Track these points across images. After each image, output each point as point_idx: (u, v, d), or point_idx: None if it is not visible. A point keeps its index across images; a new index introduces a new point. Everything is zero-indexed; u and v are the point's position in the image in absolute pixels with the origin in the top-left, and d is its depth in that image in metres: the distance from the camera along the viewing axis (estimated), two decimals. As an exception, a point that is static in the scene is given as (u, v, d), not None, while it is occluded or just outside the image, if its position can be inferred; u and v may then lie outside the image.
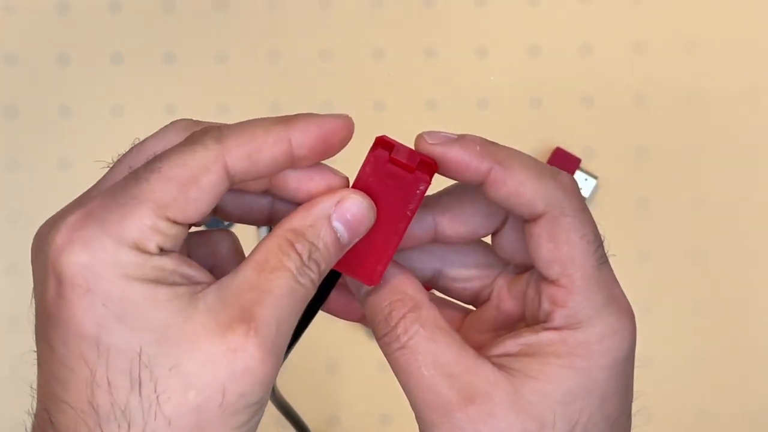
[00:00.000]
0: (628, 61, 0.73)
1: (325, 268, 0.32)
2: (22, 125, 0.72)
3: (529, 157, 0.34)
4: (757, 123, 0.72)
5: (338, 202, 0.33)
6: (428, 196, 0.35)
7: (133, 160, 0.34)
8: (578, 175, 0.70)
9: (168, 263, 0.30)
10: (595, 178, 0.70)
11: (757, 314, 0.72)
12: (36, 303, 0.31)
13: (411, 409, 0.34)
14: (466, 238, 0.35)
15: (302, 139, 0.32)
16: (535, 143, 0.72)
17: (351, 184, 0.34)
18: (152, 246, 0.30)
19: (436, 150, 0.34)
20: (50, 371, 0.30)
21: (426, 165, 0.33)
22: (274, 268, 0.31)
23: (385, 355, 0.34)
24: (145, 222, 0.30)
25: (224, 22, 0.73)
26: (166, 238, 0.30)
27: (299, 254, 0.31)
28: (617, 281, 0.35)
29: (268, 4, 0.73)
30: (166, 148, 0.32)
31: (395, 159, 0.33)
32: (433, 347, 0.33)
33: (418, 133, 0.34)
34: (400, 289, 0.33)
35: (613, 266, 0.76)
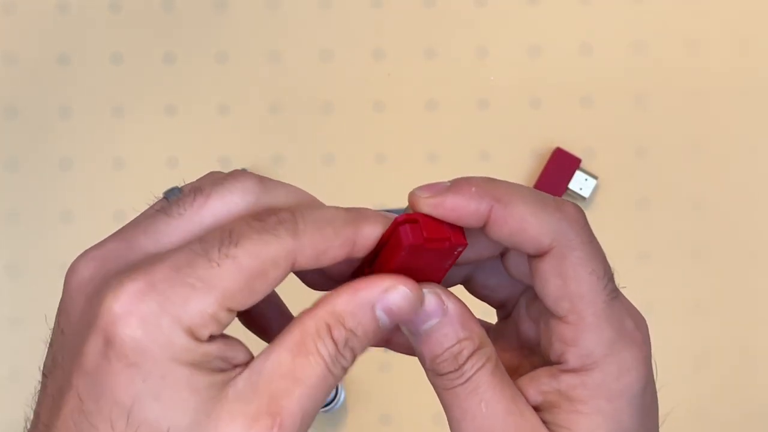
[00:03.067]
0: (628, 61, 0.73)
1: (360, 353, 0.31)
2: (22, 125, 0.72)
3: (531, 189, 0.33)
4: (757, 123, 0.73)
5: (386, 290, 0.31)
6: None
7: (192, 215, 0.32)
8: (578, 175, 0.70)
9: (214, 349, 0.30)
10: (595, 178, 0.70)
11: (757, 314, 0.72)
12: (66, 341, 0.31)
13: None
14: (471, 261, 0.35)
15: (364, 242, 0.32)
16: (535, 143, 0.72)
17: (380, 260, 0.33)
18: (206, 334, 0.30)
19: (431, 203, 0.32)
20: (71, 415, 0.30)
21: (456, 226, 0.32)
22: (309, 353, 0.30)
23: (441, 389, 0.33)
24: (208, 311, 0.29)
25: (224, 22, 0.73)
26: (220, 326, 0.30)
27: (335, 342, 0.31)
28: (629, 312, 0.34)
29: (268, 4, 0.73)
30: (229, 212, 0.31)
31: (429, 239, 0.31)
32: (495, 383, 0.32)
33: (409, 192, 0.33)
34: (467, 327, 0.32)
35: (613, 266, 0.76)
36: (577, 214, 0.33)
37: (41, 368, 0.33)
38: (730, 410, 0.71)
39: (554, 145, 0.71)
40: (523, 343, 0.36)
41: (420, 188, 0.32)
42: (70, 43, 0.73)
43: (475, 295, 0.37)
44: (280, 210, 0.31)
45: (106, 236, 0.34)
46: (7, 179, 0.72)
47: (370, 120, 0.72)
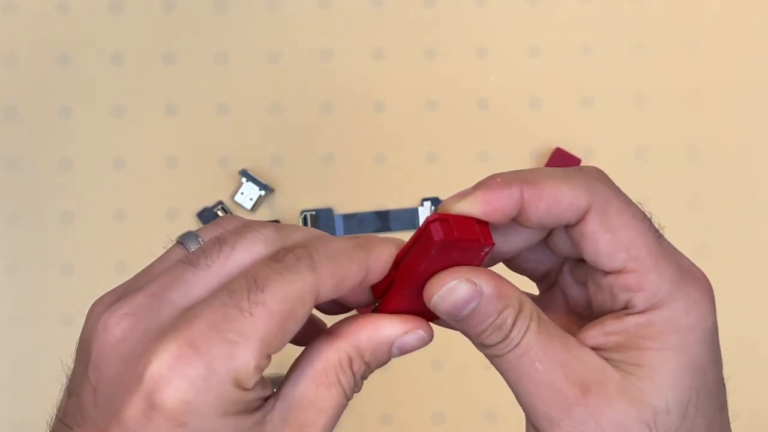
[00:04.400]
0: (628, 61, 0.73)
1: (367, 377, 0.34)
2: (22, 125, 0.72)
3: (550, 168, 0.34)
4: (757, 123, 0.73)
5: (405, 332, 0.33)
6: None
7: (219, 267, 0.33)
8: (578, 175, 0.70)
9: (256, 393, 0.31)
10: (595, 178, 0.70)
11: (757, 314, 0.72)
12: (100, 399, 0.31)
13: (521, 409, 0.34)
14: (525, 247, 0.35)
15: (377, 264, 0.33)
16: (535, 143, 0.72)
17: (402, 254, 0.34)
18: (252, 383, 0.31)
19: (463, 207, 0.32)
20: None
21: (484, 227, 0.32)
22: (331, 384, 0.32)
23: (493, 358, 0.34)
24: (252, 363, 0.30)
25: (224, 22, 0.73)
26: (261, 372, 0.31)
27: (354, 374, 0.33)
28: (680, 252, 0.35)
29: (268, 4, 0.73)
30: (253, 261, 0.32)
31: (460, 237, 0.32)
32: (543, 340, 0.33)
33: (440, 205, 0.33)
34: (504, 295, 0.33)
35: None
36: (600, 173, 0.34)
37: (57, 414, 0.34)
38: (730, 410, 0.71)
39: (554, 145, 0.71)
40: (571, 308, 0.36)
41: (449, 198, 0.33)
42: (71, 44, 0.73)
43: (516, 271, 0.37)
44: (294, 247, 0.32)
45: (128, 282, 0.34)
46: (7, 179, 0.72)
47: (370, 120, 0.72)
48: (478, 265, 0.33)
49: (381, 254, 0.33)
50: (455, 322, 0.33)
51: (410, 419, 0.71)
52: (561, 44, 0.73)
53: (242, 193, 0.71)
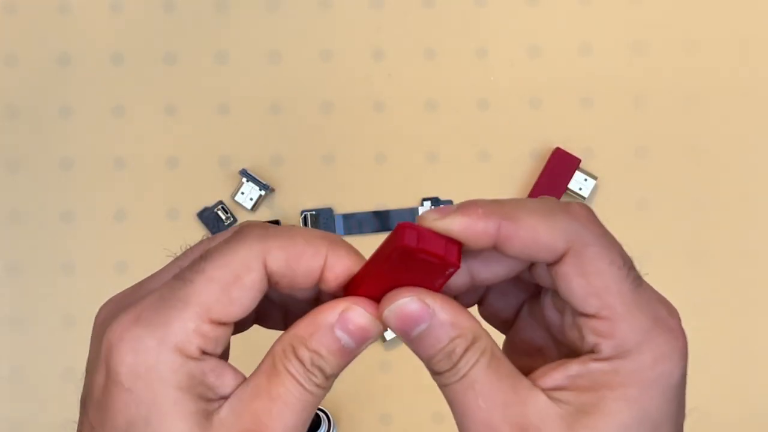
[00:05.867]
0: (628, 61, 0.73)
1: (333, 372, 0.33)
2: (22, 125, 0.72)
3: (536, 200, 0.33)
4: (757, 123, 0.73)
5: (342, 311, 0.33)
6: None
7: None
8: (578, 175, 0.70)
9: (202, 369, 0.32)
10: (595, 178, 0.70)
11: (757, 314, 0.72)
12: (86, 378, 0.34)
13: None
14: (507, 276, 0.34)
15: (336, 261, 0.33)
16: (535, 143, 0.72)
17: (368, 262, 0.33)
18: (193, 349, 0.31)
19: (439, 226, 0.32)
20: None
21: (452, 247, 0.32)
22: (280, 373, 0.32)
23: (442, 387, 0.33)
24: (189, 325, 0.31)
25: (224, 22, 0.73)
26: (208, 341, 0.32)
27: (301, 361, 0.32)
28: (660, 301, 0.34)
29: (268, 5, 0.73)
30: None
31: (423, 249, 0.31)
32: (491, 377, 0.32)
33: (419, 215, 0.33)
34: (458, 324, 0.32)
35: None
36: (585, 211, 0.33)
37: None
38: (730, 410, 0.71)
39: (554, 145, 0.71)
40: (526, 351, 0.36)
41: (429, 211, 0.32)
42: (71, 44, 0.73)
43: (484, 317, 0.37)
44: (254, 224, 0.33)
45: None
46: (7, 179, 0.72)
47: (370, 120, 0.73)
48: (441, 285, 0.32)
49: (344, 252, 0.33)
50: (407, 342, 0.33)
51: (410, 419, 0.71)
52: (561, 44, 0.73)
53: (242, 193, 0.71)
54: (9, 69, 0.73)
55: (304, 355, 0.32)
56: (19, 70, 0.73)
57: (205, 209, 0.72)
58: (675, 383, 0.32)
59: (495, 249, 0.32)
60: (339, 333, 0.33)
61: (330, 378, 0.33)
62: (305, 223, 0.71)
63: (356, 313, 0.33)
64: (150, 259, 0.36)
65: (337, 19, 0.73)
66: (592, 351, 0.32)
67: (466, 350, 0.32)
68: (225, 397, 0.32)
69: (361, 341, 0.33)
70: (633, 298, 0.32)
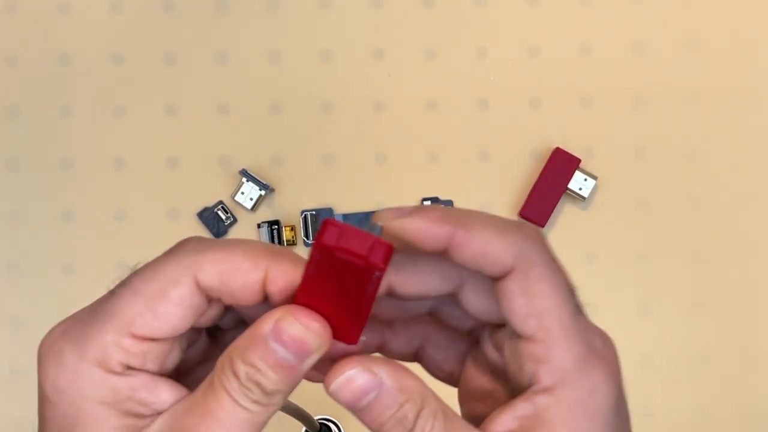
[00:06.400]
0: (628, 62, 0.73)
1: (275, 389, 0.31)
2: (23, 125, 0.72)
3: (491, 215, 0.33)
4: (757, 123, 0.73)
5: (276, 321, 0.31)
6: None
7: None
8: (578, 175, 0.70)
9: (130, 385, 0.31)
10: (595, 178, 0.71)
11: (756, 314, 0.72)
12: None
13: None
14: (421, 297, 0.34)
15: (279, 276, 0.32)
16: (535, 143, 0.72)
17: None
18: (114, 364, 0.31)
19: (395, 224, 0.31)
20: None
21: (379, 248, 0.30)
22: (215, 388, 0.31)
23: None
24: (107, 339, 0.30)
25: (224, 22, 0.73)
26: (131, 356, 0.31)
27: (236, 375, 0.31)
28: (597, 333, 0.33)
29: (268, 4, 0.73)
30: None
31: (343, 248, 0.30)
32: None
33: (375, 213, 0.32)
34: (406, 389, 0.32)
35: (611, 267, 0.76)
36: (537, 234, 0.33)
37: None
38: (730, 410, 0.71)
39: (554, 145, 0.71)
40: (492, 368, 0.36)
41: (387, 209, 0.32)
42: (71, 44, 0.73)
43: (429, 371, 0.37)
44: (191, 239, 0.32)
45: None
46: (8, 179, 0.72)
47: (370, 120, 0.73)
48: (372, 293, 0.31)
49: (287, 265, 0.32)
50: (355, 412, 0.32)
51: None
52: (561, 44, 0.73)
53: (242, 193, 0.71)
54: (9, 69, 0.73)
55: (240, 369, 0.31)
56: (19, 70, 0.73)
57: (205, 209, 0.72)
58: (611, 412, 0.32)
59: (445, 254, 0.32)
60: (273, 345, 0.31)
61: (273, 395, 0.31)
62: (305, 223, 0.71)
63: (287, 323, 0.31)
64: (150, 259, 0.35)
65: (337, 19, 0.73)
66: (532, 382, 0.32)
67: (418, 416, 0.32)
68: (161, 413, 0.31)
69: (300, 354, 0.31)
70: (572, 325, 0.32)
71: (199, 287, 0.31)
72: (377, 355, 0.35)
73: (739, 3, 0.73)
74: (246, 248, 0.32)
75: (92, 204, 0.72)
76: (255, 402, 0.31)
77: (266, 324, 0.31)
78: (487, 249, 0.31)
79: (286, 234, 0.71)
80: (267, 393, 0.31)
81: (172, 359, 0.32)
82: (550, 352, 0.32)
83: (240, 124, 0.72)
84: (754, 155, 0.72)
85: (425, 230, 0.31)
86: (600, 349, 0.32)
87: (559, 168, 0.70)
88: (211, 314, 0.33)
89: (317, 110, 0.73)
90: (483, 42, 0.73)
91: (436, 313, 0.36)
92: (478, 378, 0.36)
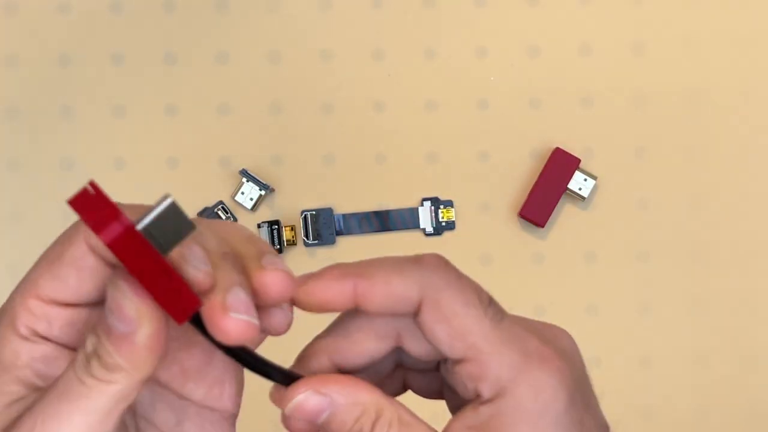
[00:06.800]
0: (628, 62, 0.73)
1: (113, 362, 0.29)
2: (23, 126, 0.72)
3: (388, 257, 0.33)
4: (757, 123, 0.73)
5: (110, 292, 0.30)
6: (323, 332, 0.34)
7: None
8: (577, 176, 0.70)
9: (27, 352, 0.31)
10: (595, 178, 0.71)
11: (756, 314, 0.72)
12: None
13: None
14: (369, 362, 0.34)
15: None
16: (534, 143, 0.72)
17: None
18: (20, 325, 0.31)
19: (301, 292, 0.32)
20: None
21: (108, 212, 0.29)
22: (70, 367, 0.30)
23: None
24: (16, 300, 0.32)
25: (224, 22, 0.73)
26: (35, 319, 0.31)
27: (84, 346, 0.30)
28: (530, 330, 0.33)
29: (268, 5, 0.73)
30: None
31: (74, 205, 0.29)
32: None
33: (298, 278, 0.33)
34: (359, 401, 0.32)
35: (611, 267, 0.76)
36: (436, 259, 0.33)
37: None
38: (730, 410, 0.71)
39: (554, 145, 0.71)
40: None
41: (297, 277, 0.32)
42: (71, 44, 0.73)
43: (429, 397, 0.37)
44: None
45: None
46: (8, 179, 0.72)
47: (370, 120, 0.73)
48: (130, 255, 0.29)
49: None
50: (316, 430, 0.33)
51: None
52: (561, 44, 0.73)
53: (242, 193, 0.71)
54: (9, 69, 0.73)
55: (88, 341, 0.30)
56: (19, 70, 0.73)
57: (206, 209, 0.72)
58: (563, 408, 0.32)
59: (360, 308, 0.32)
60: (107, 312, 0.30)
61: (113, 370, 0.29)
62: (305, 223, 0.71)
63: (120, 293, 0.30)
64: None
65: (337, 19, 0.73)
66: (477, 396, 0.32)
67: (373, 426, 0.32)
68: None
69: (126, 322, 0.29)
70: (496, 335, 0.32)
71: (90, 248, 0.31)
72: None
73: (739, 3, 0.73)
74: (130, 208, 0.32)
75: (92, 204, 0.72)
76: (92, 376, 0.29)
77: (108, 296, 0.30)
78: (390, 291, 0.32)
79: (286, 234, 0.71)
80: (107, 366, 0.29)
81: (68, 326, 0.32)
82: (483, 366, 0.32)
83: (240, 124, 0.72)
84: (754, 155, 0.72)
85: (328, 289, 0.32)
86: (536, 348, 0.32)
87: (558, 168, 0.70)
88: None
89: (317, 110, 0.73)
90: (483, 42, 0.73)
91: (401, 363, 0.36)
92: (452, 398, 0.36)
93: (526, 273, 0.72)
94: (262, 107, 0.72)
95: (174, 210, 0.30)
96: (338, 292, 0.32)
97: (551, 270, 0.72)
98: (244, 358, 0.31)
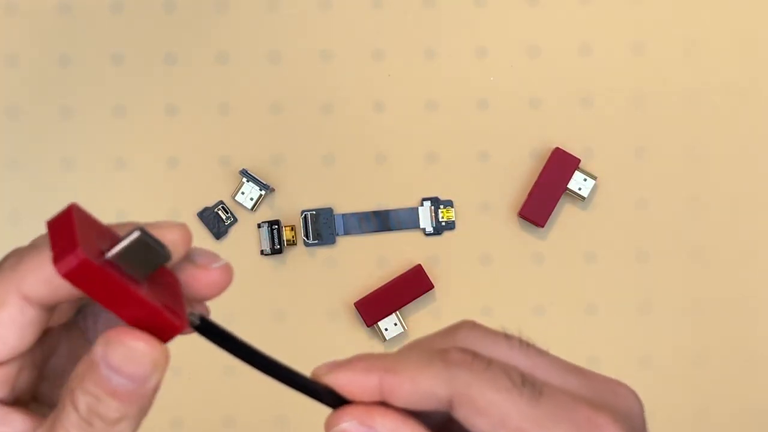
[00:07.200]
0: (628, 62, 0.73)
1: (118, 416, 0.29)
2: (23, 126, 0.72)
3: (414, 352, 0.32)
4: (757, 123, 0.73)
5: (106, 343, 0.28)
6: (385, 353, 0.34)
7: None
8: (577, 176, 0.70)
9: None
10: (595, 178, 0.71)
11: (756, 314, 0.72)
12: None
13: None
14: (415, 406, 0.32)
15: None
16: (534, 143, 0.72)
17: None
18: None
19: (328, 381, 0.31)
20: None
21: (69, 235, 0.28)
22: (56, 428, 0.29)
23: None
24: None
25: (224, 22, 0.73)
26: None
27: (77, 408, 0.29)
28: (577, 400, 0.31)
29: (268, 5, 0.73)
30: None
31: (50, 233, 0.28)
32: None
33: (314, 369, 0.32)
34: None
35: (611, 267, 0.76)
36: (462, 355, 0.31)
37: None
38: (730, 410, 0.71)
39: (553, 145, 0.71)
40: None
41: (322, 364, 0.32)
42: (72, 44, 0.73)
43: None
44: (11, 252, 0.31)
45: None
46: (8, 179, 0.72)
47: (370, 120, 0.73)
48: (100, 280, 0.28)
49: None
50: None
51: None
52: (561, 44, 0.73)
53: (242, 193, 0.71)
54: (9, 69, 0.73)
55: (80, 400, 0.29)
56: (20, 70, 0.73)
57: (206, 209, 0.72)
58: None
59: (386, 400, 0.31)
60: (106, 372, 0.28)
61: (119, 421, 0.29)
62: (305, 223, 0.71)
63: (112, 348, 0.28)
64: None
65: (337, 19, 0.73)
66: None
67: None
68: None
69: (134, 379, 0.28)
70: (538, 413, 0.31)
71: (28, 301, 0.29)
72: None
73: (739, 3, 0.73)
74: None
75: (93, 204, 0.71)
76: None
77: (98, 349, 0.29)
78: (418, 388, 0.31)
79: (286, 234, 0.71)
80: (111, 421, 0.29)
81: (25, 379, 0.31)
82: None
83: (240, 124, 0.72)
84: (754, 155, 0.72)
85: (353, 382, 0.31)
86: (588, 418, 0.31)
87: (558, 168, 0.70)
88: (65, 311, 0.32)
89: (317, 110, 0.73)
90: (483, 42, 0.73)
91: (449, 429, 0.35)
92: None
93: (526, 273, 0.72)
94: (262, 107, 0.72)
95: (142, 242, 0.29)
96: (364, 385, 0.31)
97: (551, 270, 0.72)
98: (289, 376, 0.31)
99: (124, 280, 0.28)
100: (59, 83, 0.72)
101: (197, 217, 0.72)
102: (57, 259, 0.27)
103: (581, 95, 0.72)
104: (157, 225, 0.30)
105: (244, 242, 0.72)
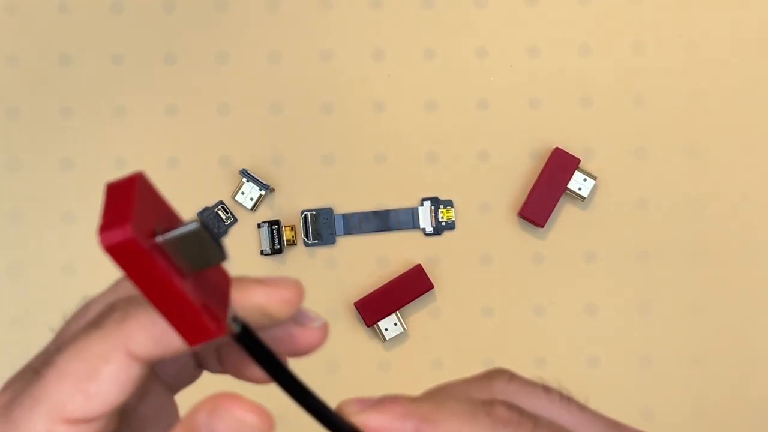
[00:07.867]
0: (628, 61, 0.73)
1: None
2: (23, 126, 0.72)
3: (457, 401, 0.30)
4: (757, 123, 0.73)
5: (208, 414, 0.27)
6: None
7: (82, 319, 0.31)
8: (577, 176, 0.70)
9: None
10: (595, 178, 0.71)
11: (756, 314, 0.72)
12: None
13: None
14: None
15: None
16: (534, 143, 0.72)
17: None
18: None
19: (357, 420, 0.29)
20: None
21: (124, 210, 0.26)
22: None
23: None
24: (38, 427, 0.28)
25: (225, 22, 0.73)
26: None
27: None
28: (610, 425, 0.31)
29: (268, 5, 0.73)
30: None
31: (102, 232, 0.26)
32: None
33: (342, 401, 0.30)
34: None
35: (611, 267, 0.76)
36: (509, 413, 0.30)
37: None
38: (729, 410, 0.71)
39: (553, 145, 0.71)
40: None
41: (352, 400, 0.30)
42: (72, 44, 0.73)
43: None
44: (115, 305, 0.29)
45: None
46: (8, 179, 0.72)
47: (370, 120, 0.73)
48: (145, 270, 0.26)
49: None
50: None
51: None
52: (560, 44, 0.73)
53: (242, 193, 0.71)
54: (9, 69, 0.73)
55: None
56: (20, 70, 0.73)
57: (206, 209, 0.72)
58: None
59: None
60: None
61: None
62: (305, 223, 0.71)
63: (219, 417, 0.27)
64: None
65: (337, 19, 0.73)
66: None
67: None
68: None
69: None
70: None
71: (134, 358, 0.28)
72: None
73: (739, 3, 0.73)
74: None
75: (93, 204, 0.72)
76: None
77: (200, 416, 0.27)
78: None
79: (286, 234, 0.71)
80: None
81: (111, 428, 0.30)
82: None
83: (240, 124, 0.72)
84: (754, 155, 0.73)
85: (388, 428, 0.29)
86: None
87: (558, 168, 0.71)
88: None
89: (317, 110, 0.73)
90: (483, 42, 0.73)
91: None
92: None
93: (526, 273, 0.72)
94: (262, 107, 0.72)
95: (200, 235, 0.27)
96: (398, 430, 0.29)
97: (551, 270, 0.72)
98: (318, 409, 0.29)
99: (168, 269, 0.26)
100: (59, 83, 0.72)
101: (197, 217, 0.72)
102: (103, 229, 0.25)
103: (581, 95, 0.72)
104: (272, 281, 0.29)
105: (244, 242, 0.72)
